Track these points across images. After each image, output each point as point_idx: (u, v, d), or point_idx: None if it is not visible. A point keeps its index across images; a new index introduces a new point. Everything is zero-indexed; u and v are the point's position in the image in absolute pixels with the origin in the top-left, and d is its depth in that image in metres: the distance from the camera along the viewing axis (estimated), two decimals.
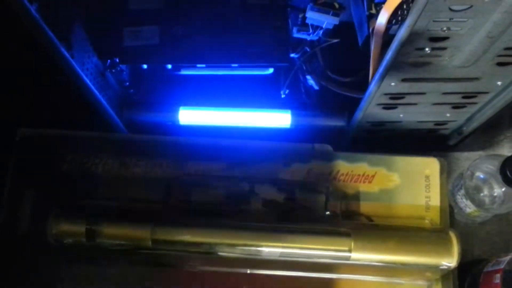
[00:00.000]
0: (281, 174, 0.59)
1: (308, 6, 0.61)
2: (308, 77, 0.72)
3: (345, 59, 0.69)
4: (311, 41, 0.68)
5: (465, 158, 0.77)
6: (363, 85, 0.61)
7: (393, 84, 0.57)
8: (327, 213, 0.58)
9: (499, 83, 0.58)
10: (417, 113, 0.66)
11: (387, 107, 0.63)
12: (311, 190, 0.59)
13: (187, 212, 0.57)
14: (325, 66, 0.71)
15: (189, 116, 0.75)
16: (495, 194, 0.67)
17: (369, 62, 0.57)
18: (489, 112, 0.64)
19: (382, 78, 0.56)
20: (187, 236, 0.53)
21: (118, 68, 0.71)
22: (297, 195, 0.58)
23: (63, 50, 0.56)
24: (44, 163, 0.59)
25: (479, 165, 0.67)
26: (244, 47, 0.71)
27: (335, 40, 0.66)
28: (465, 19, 0.46)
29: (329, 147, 0.61)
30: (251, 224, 0.54)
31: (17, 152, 0.59)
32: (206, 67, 0.73)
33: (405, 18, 0.47)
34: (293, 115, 0.75)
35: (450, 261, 0.54)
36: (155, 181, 0.58)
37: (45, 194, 0.58)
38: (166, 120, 0.76)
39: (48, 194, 0.58)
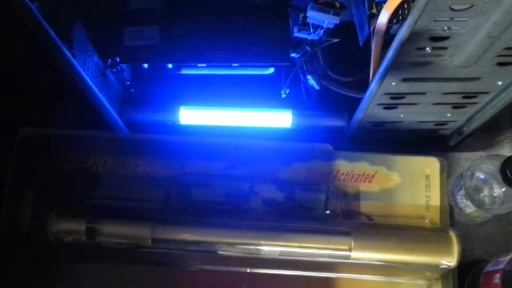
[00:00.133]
0: (281, 174, 0.59)
1: (309, 6, 0.61)
2: (309, 76, 0.72)
3: (346, 59, 0.69)
4: (312, 41, 0.68)
5: (465, 158, 0.77)
6: (364, 85, 0.61)
7: (393, 83, 0.57)
8: (327, 212, 0.58)
9: (499, 83, 0.58)
10: (418, 113, 0.66)
11: (388, 107, 0.63)
12: (311, 189, 0.59)
13: (187, 211, 0.57)
14: (326, 65, 0.71)
15: (190, 115, 0.75)
16: (495, 194, 0.67)
17: (369, 61, 0.57)
18: (489, 112, 0.64)
19: (383, 77, 0.56)
20: (187, 235, 0.53)
21: (119, 68, 0.71)
22: (297, 194, 0.58)
23: (64, 49, 0.56)
24: (45, 162, 0.59)
25: (479, 165, 0.67)
26: (244, 47, 0.71)
27: (336, 40, 0.66)
28: (466, 19, 0.46)
29: (329, 147, 0.61)
30: (251, 223, 0.54)
31: (17, 151, 0.59)
32: (207, 66, 0.74)
33: (406, 18, 0.47)
34: (293, 114, 0.75)
35: (450, 261, 0.54)
36: (155, 180, 0.59)
37: (45, 193, 0.58)
38: (166, 120, 0.76)
39: (48, 193, 0.58)
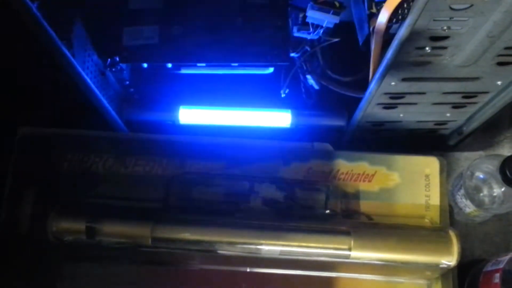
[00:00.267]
0: (281, 173, 0.59)
1: (309, 5, 0.61)
2: (308, 76, 0.72)
3: (346, 59, 0.69)
4: (312, 41, 0.68)
5: (465, 158, 0.78)
6: (363, 85, 0.61)
7: (393, 83, 0.57)
8: (327, 211, 0.58)
9: (499, 82, 0.58)
10: (417, 112, 0.66)
11: (387, 106, 0.63)
12: (311, 189, 0.59)
13: (187, 211, 0.57)
14: (325, 65, 0.71)
15: (189, 115, 0.75)
16: (495, 194, 0.67)
17: (369, 61, 0.57)
18: (489, 112, 0.64)
19: (382, 77, 0.56)
20: (187, 234, 0.53)
21: (119, 67, 0.71)
22: (297, 194, 0.58)
23: (64, 49, 0.56)
24: (45, 162, 0.59)
25: (479, 165, 0.67)
26: (244, 46, 0.71)
27: (336, 40, 0.66)
28: (466, 18, 0.46)
29: (329, 146, 0.61)
30: (251, 222, 0.54)
31: (17, 151, 0.59)
32: (206, 66, 0.73)
33: (406, 17, 0.47)
34: (293, 114, 0.75)
35: (449, 260, 0.54)
36: (155, 180, 0.59)
37: (45, 193, 0.58)
38: (166, 119, 0.76)
39: (48, 193, 0.58)
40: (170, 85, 0.78)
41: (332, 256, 0.54)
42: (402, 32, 0.48)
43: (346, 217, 0.58)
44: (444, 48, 0.51)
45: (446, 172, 0.60)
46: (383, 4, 0.50)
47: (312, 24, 0.64)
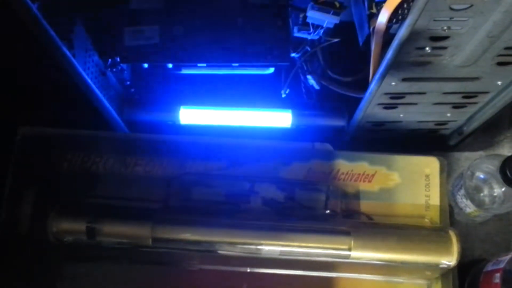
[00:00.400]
0: (281, 173, 0.59)
1: (309, 6, 0.61)
2: (309, 76, 0.72)
3: (346, 59, 0.69)
4: (312, 41, 0.68)
5: (465, 158, 0.78)
6: (364, 85, 0.62)
7: (393, 83, 0.57)
8: (327, 211, 0.58)
9: (499, 82, 0.58)
10: (418, 113, 0.66)
11: (387, 106, 0.63)
12: (311, 189, 0.59)
13: (187, 211, 0.57)
14: (326, 65, 0.71)
15: (190, 115, 0.75)
16: (495, 194, 0.67)
17: (369, 61, 0.57)
18: (489, 112, 0.64)
19: (383, 77, 0.56)
20: (187, 235, 0.53)
21: (119, 68, 0.71)
22: (297, 194, 0.58)
23: (64, 49, 0.56)
24: (45, 162, 0.59)
25: (479, 165, 0.67)
26: (244, 47, 0.71)
27: (336, 40, 0.66)
28: (466, 18, 0.46)
29: (329, 146, 0.61)
30: (251, 222, 0.54)
31: (17, 151, 0.59)
32: (207, 66, 0.74)
33: (406, 17, 0.47)
34: (293, 114, 0.75)
35: (449, 260, 0.54)
36: (155, 180, 0.58)
37: (45, 193, 0.58)
38: (166, 119, 0.76)
39: (48, 193, 0.58)
40: (170, 85, 0.78)
41: (332, 256, 0.54)
42: (402, 32, 0.48)
43: (346, 217, 0.58)
44: (444, 48, 0.51)
45: (446, 172, 0.60)
46: (383, 4, 0.50)
47: (313, 24, 0.65)
